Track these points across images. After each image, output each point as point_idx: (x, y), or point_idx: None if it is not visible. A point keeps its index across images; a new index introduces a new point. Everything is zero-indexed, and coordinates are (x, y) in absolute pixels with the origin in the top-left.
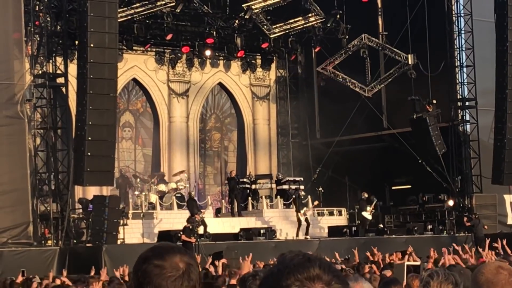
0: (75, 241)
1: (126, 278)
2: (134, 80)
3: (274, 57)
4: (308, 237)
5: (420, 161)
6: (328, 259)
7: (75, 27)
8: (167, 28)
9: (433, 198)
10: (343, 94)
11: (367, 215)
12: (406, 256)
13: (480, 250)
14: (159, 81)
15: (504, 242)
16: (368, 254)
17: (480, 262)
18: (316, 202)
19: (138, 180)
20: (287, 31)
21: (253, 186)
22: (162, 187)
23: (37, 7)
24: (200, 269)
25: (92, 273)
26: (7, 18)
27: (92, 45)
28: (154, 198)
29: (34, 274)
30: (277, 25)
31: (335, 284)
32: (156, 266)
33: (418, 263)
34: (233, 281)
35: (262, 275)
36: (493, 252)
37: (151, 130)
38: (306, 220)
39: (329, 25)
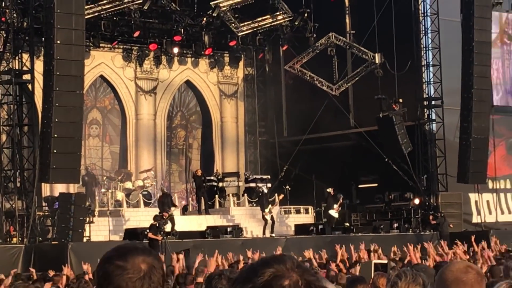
0: (40, 238)
1: (90, 276)
2: (102, 77)
3: (242, 55)
4: (273, 235)
5: (386, 160)
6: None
7: (41, 24)
8: (135, 25)
9: (399, 196)
10: (310, 93)
11: (334, 213)
12: (372, 254)
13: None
14: (126, 78)
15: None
16: (338, 248)
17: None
18: (281, 196)
19: (105, 177)
20: (255, 29)
21: (220, 184)
22: (128, 185)
23: (3, 3)
24: (165, 269)
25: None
26: None
27: (58, 41)
28: (120, 195)
29: None
30: (245, 23)
31: (307, 275)
32: (117, 266)
33: (385, 262)
34: (200, 279)
35: (235, 277)
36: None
37: (119, 128)
38: (272, 218)
39: (296, 23)
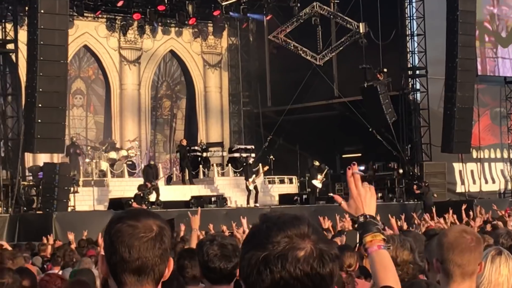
0: (25, 208)
1: (73, 246)
2: (85, 47)
3: (226, 25)
4: (257, 205)
5: (370, 130)
6: None
7: None
8: None
9: (383, 166)
10: (294, 63)
11: (317, 183)
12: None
13: (427, 217)
14: (110, 48)
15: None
16: (321, 220)
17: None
18: (265, 168)
19: (89, 147)
20: None
21: (204, 154)
22: (113, 155)
23: None
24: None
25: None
26: None
27: (42, 11)
28: (105, 165)
29: None
30: None
31: (321, 244)
32: (129, 225)
33: None
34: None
35: (248, 233)
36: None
37: (103, 98)
38: (255, 187)
39: None
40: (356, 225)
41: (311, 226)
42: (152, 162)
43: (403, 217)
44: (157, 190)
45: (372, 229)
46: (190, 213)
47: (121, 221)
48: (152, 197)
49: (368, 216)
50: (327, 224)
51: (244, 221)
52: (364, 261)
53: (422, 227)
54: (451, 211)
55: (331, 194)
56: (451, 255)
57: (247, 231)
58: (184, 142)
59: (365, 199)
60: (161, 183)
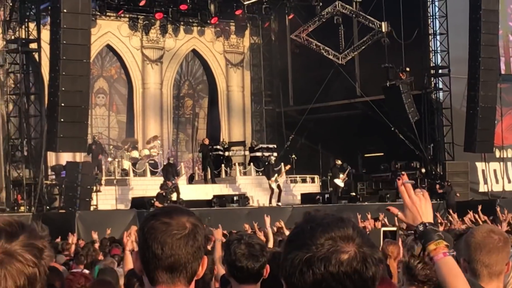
0: (48, 207)
1: (97, 245)
2: (108, 46)
3: (248, 24)
4: (280, 204)
5: (392, 129)
6: None
7: None
8: None
9: (406, 165)
10: (316, 62)
11: (340, 182)
12: (379, 223)
13: (451, 216)
14: (132, 48)
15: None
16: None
17: (449, 229)
18: (287, 166)
19: (112, 146)
20: None
21: (227, 153)
22: (135, 154)
23: None
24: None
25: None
26: None
27: (65, 10)
28: (127, 164)
29: None
30: None
31: (365, 247)
32: (163, 222)
33: (394, 229)
34: (208, 248)
35: (291, 232)
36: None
37: (125, 97)
38: (278, 186)
39: None
40: (416, 235)
41: (356, 229)
42: (171, 160)
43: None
44: (177, 188)
45: (434, 237)
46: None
47: (155, 218)
48: (174, 196)
49: (427, 224)
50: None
51: (267, 220)
52: (388, 261)
53: (444, 227)
54: (470, 213)
55: (388, 208)
56: (478, 255)
57: (269, 230)
58: (206, 141)
59: (421, 207)
60: (183, 182)
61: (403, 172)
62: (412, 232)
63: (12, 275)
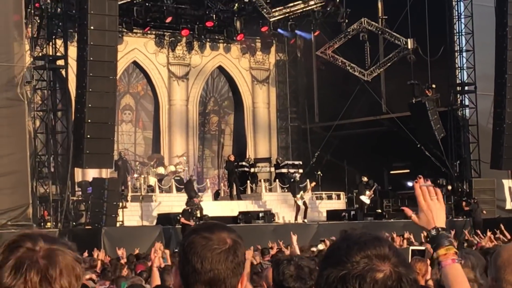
0: (74, 223)
1: (125, 260)
2: (135, 63)
3: (274, 41)
4: (306, 220)
5: (418, 146)
6: None
7: (75, 9)
8: (167, 11)
9: (432, 182)
10: (342, 78)
11: (366, 199)
12: (405, 241)
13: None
14: (159, 64)
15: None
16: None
17: (479, 246)
18: (313, 183)
19: (137, 163)
20: (287, 14)
21: (252, 170)
22: (161, 170)
23: None
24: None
25: (86, 255)
26: (7, 0)
27: (92, 27)
28: (153, 181)
29: None
30: (277, 9)
31: (401, 267)
32: (203, 237)
33: (423, 248)
34: None
35: (327, 250)
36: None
37: (152, 113)
38: (304, 203)
39: (328, 9)
40: (428, 239)
41: (392, 248)
42: (193, 177)
43: (452, 232)
44: (200, 207)
45: (445, 243)
46: None
47: (195, 233)
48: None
49: (440, 229)
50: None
51: (294, 238)
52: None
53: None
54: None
55: (402, 207)
56: (503, 273)
57: (296, 248)
58: (232, 158)
59: (435, 211)
60: (208, 198)
61: (420, 176)
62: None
63: (67, 267)
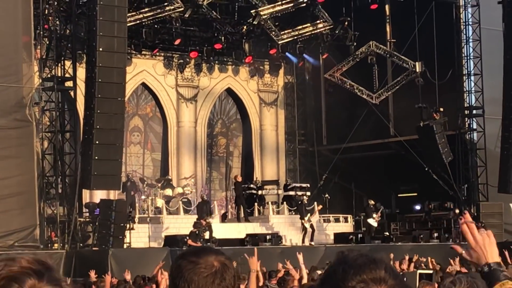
0: (81, 244)
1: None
2: (143, 84)
3: (282, 63)
4: (313, 243)
5: (426, 169)
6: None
7: (84, 31)
8: (176, 33)
9: (439, 206)
10: (350, 101)
11: (373, 222)
12: (412, 264)
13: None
14: (167, 86)
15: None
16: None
17: None
18: (320, 206)
19: (145, 184)
20: (295, 37)
21: (260, 192)
22: (168, 192)
23: (46, 10)
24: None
25: (93, 274)
26: (17, 21)
27: (101, 49)
28: (160, 202)
29: None
30: (285, 31)
31: None
32: (190, 262)
33: (430, 272)
34: (242, 286)
35: (324, 274)
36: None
37: (160, 135)
38: (311, 226)
39: (337, 32)
40: (483, 275)
41: (389, 271)
42: (205, 197)
43: (457, 259)
44: (210, 227)
45: (500, 277)
46: (247, 254)
47: (182, 258)
48: (207, 235)
49: (492, 265)
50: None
51: (300, 257)
52: None
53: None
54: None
55: (452, 246)
56: None
57: (303, 267)
58: (239, 179)
59: (485, 247)
60: (216, 220)
61: (465, 211)
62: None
63: None
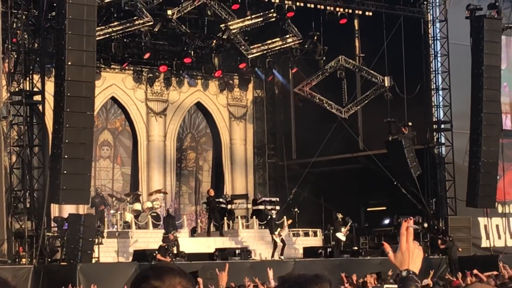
0: (49, 259)
1: None
2: (113, 98)
3: (252, 78)
4: (282, 257)
5: (395, 183)
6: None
7: (53, 45)
8: (145, 47)
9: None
10: (319, 115)
11: (341, 236)
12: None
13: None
14: (137, 100)
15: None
16: (343, 276)
17: (454, 285)
18: (289, 221)
19: (114, 199)
20: (265, 51)
21: (229, 206)
22: (137, 206)
23: (14, 24)
24: None
25: None
26: None
27: (69, 63)
28: (129, 217)
29: None
30: (255, 46)
31: None
32: (154, 287)
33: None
34: None
35: None
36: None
37: (130, 149)
38: (282, 240)
39: (306, 46)
40: (397, 278)
41: (332, 284)
42: (170, 211)
43: (432, 273)
44: (176, 241)
45: (411, 285)
46: (218, 270)
47: (145, 281)
48: (176, 249)
49: (411, 272)
50: (352, 279)
51: (270, 272)
52: None
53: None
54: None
55: (383, 242)
56: None
57: (272, 283)
58: (212, 193)
59: (413, 255)
60: (185, 235)
61: (410, 217)
62: None
63: None
